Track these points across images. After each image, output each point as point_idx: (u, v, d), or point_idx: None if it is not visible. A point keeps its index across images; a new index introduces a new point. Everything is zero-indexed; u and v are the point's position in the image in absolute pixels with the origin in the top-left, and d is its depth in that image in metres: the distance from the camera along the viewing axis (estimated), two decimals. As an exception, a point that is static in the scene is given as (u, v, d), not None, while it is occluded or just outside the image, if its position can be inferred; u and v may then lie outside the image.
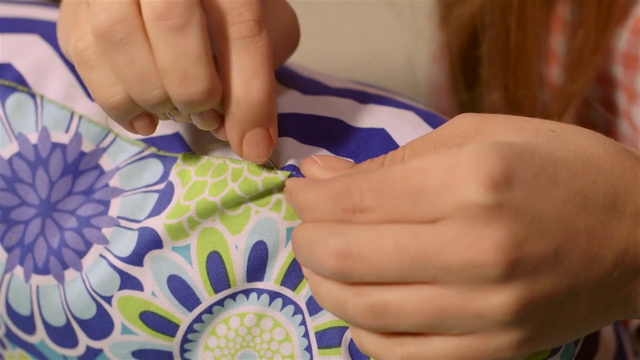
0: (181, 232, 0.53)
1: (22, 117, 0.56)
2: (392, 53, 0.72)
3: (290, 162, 0.53)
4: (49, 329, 0.56)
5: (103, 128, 0.56)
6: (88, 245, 0.55)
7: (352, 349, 0.53)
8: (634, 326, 0.69)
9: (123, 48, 0.47)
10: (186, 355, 0.54)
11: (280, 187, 0.53)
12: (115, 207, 0.55)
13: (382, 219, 0.46)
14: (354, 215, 0.46)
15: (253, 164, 0.53)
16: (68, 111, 0.56)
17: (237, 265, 0.53)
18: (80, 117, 0.56)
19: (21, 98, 0.57)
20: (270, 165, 0.53)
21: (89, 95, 0.57)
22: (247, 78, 0.49)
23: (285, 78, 0.58)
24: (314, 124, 0.55)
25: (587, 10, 0.65)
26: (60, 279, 0.55)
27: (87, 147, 0.56)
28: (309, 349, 0.53)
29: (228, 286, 0.53)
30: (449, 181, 0.44)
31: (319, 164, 0.52)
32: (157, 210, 0.54)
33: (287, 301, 0.53)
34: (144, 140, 0.56)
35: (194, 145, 0.55)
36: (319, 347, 0.53)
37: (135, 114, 0.50)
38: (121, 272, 0.54)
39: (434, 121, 0.56)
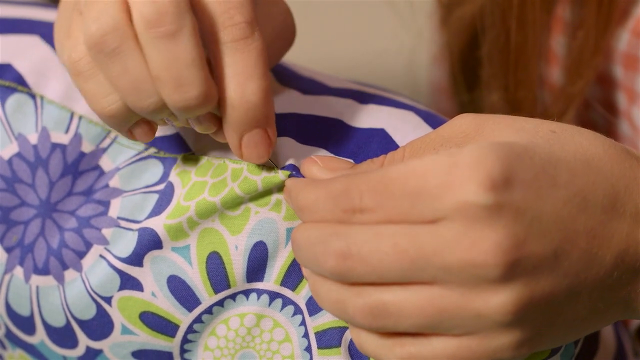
0: (181, 232, 0.53)
1: (22, 117, 0.56)
2: (393, 53, 0.72)
3: (290, 162, 0.53)
4: (49, 329, 0.56)
5: (103, 128, 0.56)
6: (88, 245, 0.55)
7: (352, 349, 0.53)
8: (634, 326, 0.69)
9: (116, 58, 0.47)
10: (186, 355, 0.54)
11: (280, 187, 0.53)
12: (115, 208, 0.55)
13: (382, 219, 0.46)
14: (354, 215, 0.46)
15: (253, 164, 0.53)
16: (68, 112, 0.56)
17: (237, 265, 0.53)
18: (80, 118, 0.56)
19: (21, 98, 0.57)
20: (270, 165, 0.53)
21: (88, 95, 0.57)
22: (241, 81, 0.48)
23: (285, 78, 0.58)
24: (314, 124, 0.55)
25: (588, 10, 0.65)
26: (60, 279, 0.55)
27: (87, 147, 0.56)
28: (308, 349, 0.53)
29: (228, 286, 0.53)
30: (449, 182, 0.44)
31: (319, 164, 0.52)
32: (157, 210, 0.54)
33: (287, 301, 0.53)
34: (144, 141, 0.56)
35: (194, 145, 0.55)
36: (318, 348, 0.53)
37: (133, 121, 0.50)
38: (121, 273, 0.54)
39: (433, 121, 0.56)
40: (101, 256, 0.54)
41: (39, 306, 0.56)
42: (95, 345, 0.55)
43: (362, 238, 0.45)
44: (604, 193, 0.47)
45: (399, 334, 0.47)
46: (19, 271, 0.56)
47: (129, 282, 0.54)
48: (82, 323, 0.55)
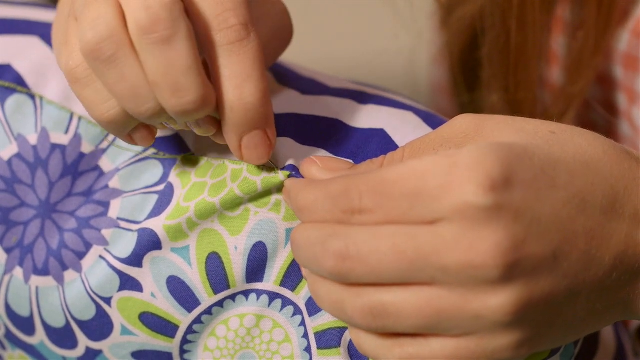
0: (180, 233, 0.53)
1: (22, 118, 0.56)
2: (393, 53, 0.72)
3: (290, 162, 0.53)
4: (49, 330, 0.56)
5: (102, 129, 0.56)
6: (88, 246, 0.55)
7: (352, 350, 0.53)
8: (634, 326, 0.69)
9: (113, 65, 0.47)
10: (186, 356, 0.54)
11: (279, 188, 0.53)
12: (115, 209, 0.55)
13: (381, 220, 0.45)
14: (353, 216, 0.46)
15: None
16: (67, 112, 0.56)
17: (236, 266, 0.53)
18: (80, 118, 0.56)
19: (21, 99, 0.57)
20: (269, 165, 0.53)
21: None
22: (238, 83, 0.48)
23: (284, 78, 0.58)
24: (313, 124, 0.55)
25: (588, 11, 0.65)
26: (59, 280, 0.55)
27: (86, 148, 0.56)
28: (308, 349, 0.53)
29: (227, 287, 0.53)
30: (448, 182, 0.44)
31: (318, 164, 0.52)
32: (156, 211, 0.54)
33: (286, 302, 0.53)
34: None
35: (193, 146, 0.55)
36: (318, 348, 0.53)
37: (132, 126, 0.51)
38: (120, 273, 0.54)
39: (433, 122, 0.56)
40: (101, 257, 0.54)
41: (38, 307, 0.56)
42: (95, 345, 0.55)
43: (361, 239, 0.45)
44: (603, 194, 0.47)
45: (398, 334, 0.47)
46: (18, 272, 0.56)
47: (128, 283, 0.54)
48: (81, 324, 0.55)
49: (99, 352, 0.55)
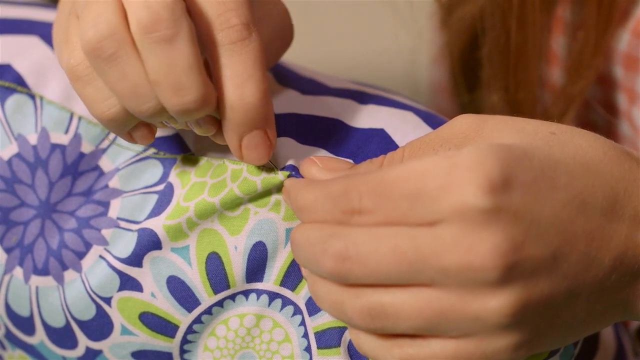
0: (180, 233, 0.53)
1: (22, 118, 0.56)
2: (393, 53, 0.72)
3: (290, 162, 0.53)
4: (49, 330, 0.56)
5: (102, 129, 0.56)
6: (87, 246, 0.55)
7: (352, 350, 0.53)
8: (634, 327, 0.69)
9: (114, 63, 0.47)
10: (186, 356, 0.54)
11: (279, 188, 0.53)
12: (115, 208, 0.55)
13: (381, 221, 0.46)
14: (352, 217, 0.46)
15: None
16: (67, 112, 0.56)
17: (236, 266, 0.53)
18: (80, 118, 0.56)
19: (21, 99, 0.57)
20: (269, 166, 0.53)
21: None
22: (239, 82, 0.49)
23: (284, 79, 0.58)
24: (313, 124, 0.55)
25: (588, 11, 0.65)
26: (59, 280, 0.55)
27: (86, 148, 0.56)
28: (308, 349, 0.53)
29: (227, 287, 0.53)
30: (447, 184, 0.44)
31: (318, 164, 0.52)
32: (156, 211, 0.54)
33: (286, 302, 0.53)
34: (143, 142, 0.56)
35: (193, 146, 0.55)
36: (318, 348, 0.53)
37: (132, 124, 0.51)
38: (120, 273, 0.54)
39: (433, 122, 0.56)
40: (101, 257, 0.54)
41: (38, 307, 0.56)
42: (95, 345, 0.55)
43: (360, 239, 0.45)
44: (603, 195, 0.47)
45: (398, 335, 0.47)
46: (18, 272, 0.56)
47: (128, 283, 0.54)
48: (81, 323, 0.55)
49: (99, 352, 0.55)
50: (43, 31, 0.59)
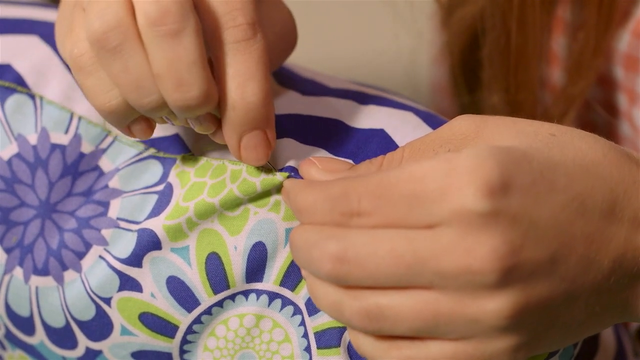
0: (180, 233, 0.53)
1: (22, 118, 0.56)
2: (393, 54, 0.72)
3: (290, 163, 0.53)
4: (49, 330, 0.56)
5: (102, 129, 0.56)
6: (87, 246, 0.55)
7: (351, 350, 0.53)
8: (634, 327, 0.69)
9: (118, 55, 0.47)
10: (185, 356, 0.54)
11: (278, 188, 0.53)
12: (115, 209, 0.55)
13: (379, 223, 0.46)
14: (351, 219, 0.46)
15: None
16: (67, 112, 0.56)
17: (236, 266, 0.53)
18: (80, 118, 0.56)
19: (21, 99, 0.57)
20: (269, 166, 0.53)
21: (88, 96, 0.57)
22: (242, 82, 0.49)
23: (285, 79, 0.58)
24: (314, 124, 0.55)
25: (588, 11, 0.65)
26: (59, 280, 0.55)
27: (86, 148, 0.56)
28: (308, 349, 0.53)
29: (227, 287, 0.53)
30: (446, 187, 0.44)
31: (317, 165, 0.52)
32: (156, 211, 0.54)
33: (286, 302, 0.53)
34: (143, 142, 0.56)
35: (193, 146, 0.55)
36: (318, 348, 0.53)
37: (132, 118, 0.51)
38: (120, 274, 0.54)
39: (433, 122, 0.56)
40: (100, 257, 0.54)
41: (38, 307, 0.56)
42: (95, 346, 0.55)
43: (359, 242, 0.45)
44: (602, 197, 0.47)
45: (396, 337, 0.47)
46: (18, 272, 0.56)
47: (128, 283, 0.54)
48: (81, 324, 0.55)
49: (98, 352, 0.55)
50: (43, 31, 0.59)
